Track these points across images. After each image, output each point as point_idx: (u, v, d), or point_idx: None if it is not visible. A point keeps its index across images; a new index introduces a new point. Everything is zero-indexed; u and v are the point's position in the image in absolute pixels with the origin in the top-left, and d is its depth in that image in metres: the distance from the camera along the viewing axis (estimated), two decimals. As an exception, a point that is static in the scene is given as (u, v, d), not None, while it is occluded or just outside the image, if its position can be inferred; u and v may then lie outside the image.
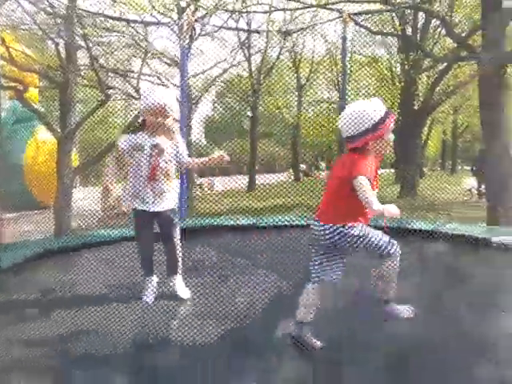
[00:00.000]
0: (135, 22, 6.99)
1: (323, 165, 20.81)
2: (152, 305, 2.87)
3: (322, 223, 2.23)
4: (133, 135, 2.92)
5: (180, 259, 3.04)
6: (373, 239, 2.22)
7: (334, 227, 2.19)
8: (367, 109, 2.24)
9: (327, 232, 2.21)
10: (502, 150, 6.40)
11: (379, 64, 15.53)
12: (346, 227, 2.18)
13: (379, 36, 11.70)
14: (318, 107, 17.93)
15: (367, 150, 2.24)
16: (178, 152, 3.02)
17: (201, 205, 10.72)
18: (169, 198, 2.97)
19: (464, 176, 16.41)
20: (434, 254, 4.08)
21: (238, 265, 3.72)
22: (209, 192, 14.60)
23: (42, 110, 7.15)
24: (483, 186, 11.30)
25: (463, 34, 7.67)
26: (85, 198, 6.26)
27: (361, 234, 2.20)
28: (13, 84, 6.13)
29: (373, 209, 2.03)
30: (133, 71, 7.85)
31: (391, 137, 2.29)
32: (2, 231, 4.55)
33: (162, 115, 2.88)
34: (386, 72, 15.64)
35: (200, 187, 14.30)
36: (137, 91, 6.78)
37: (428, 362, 2.05)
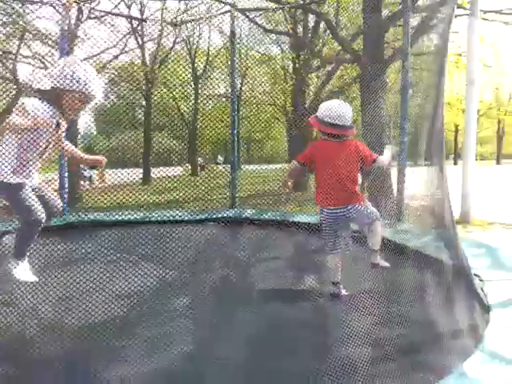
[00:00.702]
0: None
1: (221, 158, 20.91)
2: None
3: (345, 205, 2.95)
4: (48, 106, 2.66)
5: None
6: (370, 208, 3.05)
7: (355, 206, 2.96)
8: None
9: (351, 211, 2.97)
10: (381, 148, 6.96)
11: (273, 61, 16.01)
12: (359, 205, 2.97)
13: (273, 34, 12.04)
14: (216, 101, 17.91)
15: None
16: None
17: (89, 198, 10.17)
18: (36, 179, 2.94)
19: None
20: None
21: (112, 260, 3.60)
22: (99, 185, 13.90)
23: None
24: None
25: (349, 38, 8.16)
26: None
27: (366, 208, 3.01)
28: None
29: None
30: (10, 52, 7.18)
31: None
32: None
33: (84, 99, 2.72)
34: (279, 70, 16.17)
35: (89, 180, 13.55)
36: (13, 74, 6.20)
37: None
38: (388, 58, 7.16)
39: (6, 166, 2.65)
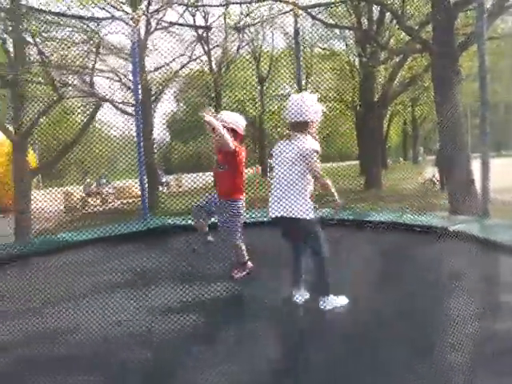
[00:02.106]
0: (81, 17, 6.78)
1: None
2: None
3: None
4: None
5: None
6: None
7: None
8: None
9: None
10: (459, 139, 6.60)
11: (338, 57, 15.73)
12: None
13: (337, 29, 11.85)
14: (282, 101, 17.97)
15: None
16: None
17: (167, 203, 10.56)
18: None
19: (426, 166, 16.78)
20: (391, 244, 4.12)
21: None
22: (175, 190, 14.41)
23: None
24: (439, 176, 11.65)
25: (416, 27, 7.82)
26: (46, 200, 6.12)
27: None
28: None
29: None
30: (87, 67, 7.65)
31: None
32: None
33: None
34: (345, 65, 15.86)
35: (167, 185, 14.08)
36: (91, 87, 6.61)
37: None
38: (460, 44, 6.77)
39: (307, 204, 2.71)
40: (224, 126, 3.31)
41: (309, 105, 2.76)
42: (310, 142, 2.71)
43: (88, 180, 10.34)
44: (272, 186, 2.76)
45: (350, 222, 4.87)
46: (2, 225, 6.22)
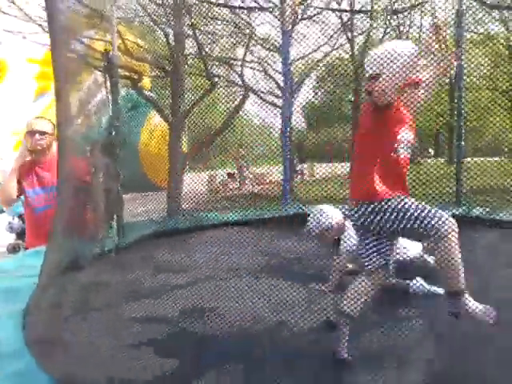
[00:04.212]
0: (238, 7, 7.11)
1: (431, 151, 19.70)
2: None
3: None
4: None
5: None
6: None
7: None
8: None
9: None
10: None
11: (495, 41, 14.16)
12: None
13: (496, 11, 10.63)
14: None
15: None
16: None
17: (301, 191, 10.68)
18: None
19: None
20: None
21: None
22: (308, 179, 14.54)
23: (155, 97, 7.61)
24: None
25: None
26: (194, 182, 6.64)
27: None
28: (128, 73, 6.59)
29: None
30: (236, 59, 8.01)
31: None
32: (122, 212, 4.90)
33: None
34: (502, 49, 14.22)
35: (301, 173, 14.25)
36: (240, 78, 6.93)
37: None
38: None
39: None
40: None
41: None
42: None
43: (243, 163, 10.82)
44: None
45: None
46: (154, 202, 6.86)
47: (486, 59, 13.40)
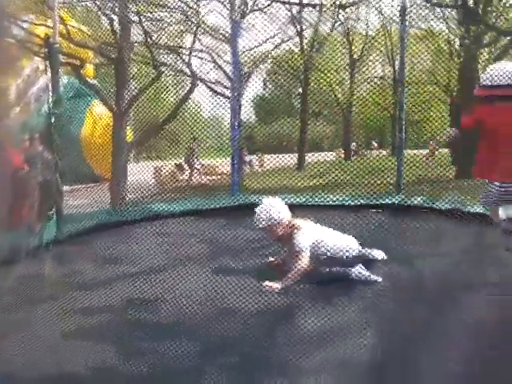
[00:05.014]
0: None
1: (375, 144, 20.28)
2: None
3: None
4: None
5: None
6: None
7: None
8: None
9: None
10: None
11: (436, 38, 14.75)
12: None
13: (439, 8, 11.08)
14: (369, 85, 17.33)
15: None
16: None
17: (250, 182, 10.71)
18: None
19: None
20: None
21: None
22: (258, 170, 14.61)
23: (98, 85, 7.34)
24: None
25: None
26: (138, 173, 6.49)
27: None
28: (70, 60, 6.32)
29: None
30: (184, 47, 7.87)
31: None
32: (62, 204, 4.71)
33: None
34: (443, 46, 14.84)
35: (249, 164, 14.29)
36: (188, 67, 6.82)
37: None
38: None
39: None
40: None
41: None
42: None
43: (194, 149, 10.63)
44: None
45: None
46: (97, 193, 6.65)
47: (428, 55, 13.97)
